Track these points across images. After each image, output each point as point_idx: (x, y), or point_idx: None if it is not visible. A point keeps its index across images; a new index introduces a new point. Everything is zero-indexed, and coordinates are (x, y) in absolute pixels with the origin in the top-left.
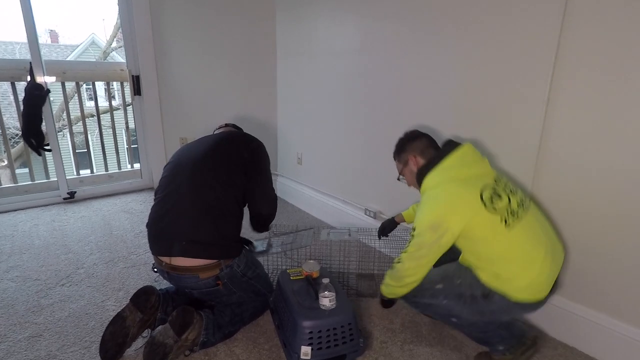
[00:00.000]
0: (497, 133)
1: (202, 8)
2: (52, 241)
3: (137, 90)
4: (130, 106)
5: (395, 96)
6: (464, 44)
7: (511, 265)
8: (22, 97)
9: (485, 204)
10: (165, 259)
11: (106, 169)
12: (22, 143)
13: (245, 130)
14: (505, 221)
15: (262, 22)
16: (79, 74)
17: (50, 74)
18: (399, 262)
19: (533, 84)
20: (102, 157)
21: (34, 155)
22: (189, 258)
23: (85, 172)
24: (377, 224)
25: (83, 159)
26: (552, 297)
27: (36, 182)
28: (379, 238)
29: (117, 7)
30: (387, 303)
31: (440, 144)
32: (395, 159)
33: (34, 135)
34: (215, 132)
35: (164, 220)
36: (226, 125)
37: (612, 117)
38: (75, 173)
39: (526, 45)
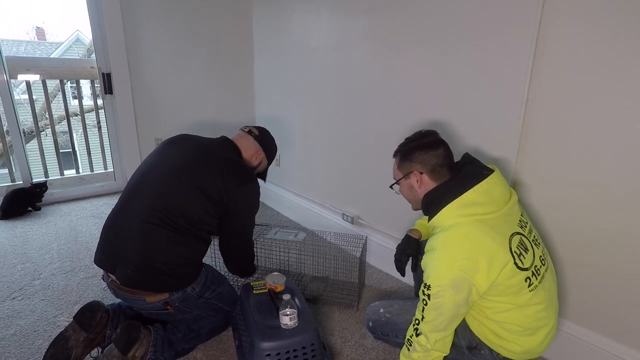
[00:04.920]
0: (478, 129)
1: (176, 2)
2: (11, 249)
3: (108, 88)
4: (102, 105)
5: (374, 95)
6: (444, 38)
7: (514, 330)
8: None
9: (514, 258)
10: (111, 275)
11: (77, 171)
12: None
13: (221, 132)
14: (529, 281)
15: (239, 18)
16: (45, 71)
17: (13, 71)
18: (419, 335)
19: (513, 77)
20: (72, 159)
21: (14, 156)
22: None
23: (54, 175)
24: (356, 230)
25: (53, 161)
26: None
27: (0, 185)
28: (403, 274)
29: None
30: None
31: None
32: (394, 158)
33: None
34: (238, 132)
35: (116, 231)
36: (248, 131)
37: (592, 116)
38: (44, 176)
39: (506, 38)
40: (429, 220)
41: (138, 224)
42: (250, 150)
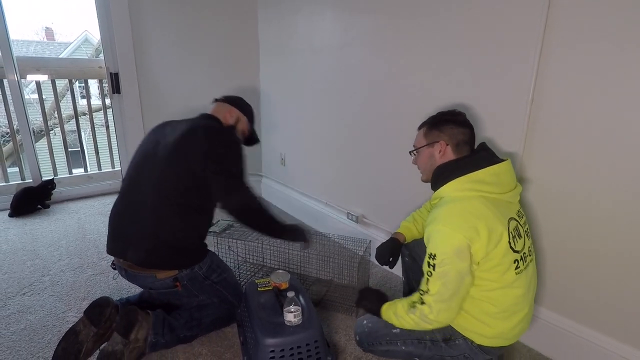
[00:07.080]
0: (484, 129)
1: (183, 3)
2: (21, 246)
3: (116, 88)
4: (110, 105)
5: (379, 95)
6: (450, 38)
7: (490, 311)
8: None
9: (509, 237)
10: (122, 260)
11: (85, 170)
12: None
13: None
14: (517, 264)
15: (245, 18)
16: (54, 71)
17: (22, 71)
18: (423, 304)
19: (518, 77)
20: (80, 158)
21: (24, 154)
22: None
23: (63, 173)
24: (360, 229)
25: (62, 159)
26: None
27: (11, 183)
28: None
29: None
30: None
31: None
32: (420, 129)
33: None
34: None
35: (123, 218)
36: (216, 100)
37: (600, 113)
38: (53, 174)
39: (511, 35)
40: (433, 188)
41: (145, 206)
42: (222, 112)
